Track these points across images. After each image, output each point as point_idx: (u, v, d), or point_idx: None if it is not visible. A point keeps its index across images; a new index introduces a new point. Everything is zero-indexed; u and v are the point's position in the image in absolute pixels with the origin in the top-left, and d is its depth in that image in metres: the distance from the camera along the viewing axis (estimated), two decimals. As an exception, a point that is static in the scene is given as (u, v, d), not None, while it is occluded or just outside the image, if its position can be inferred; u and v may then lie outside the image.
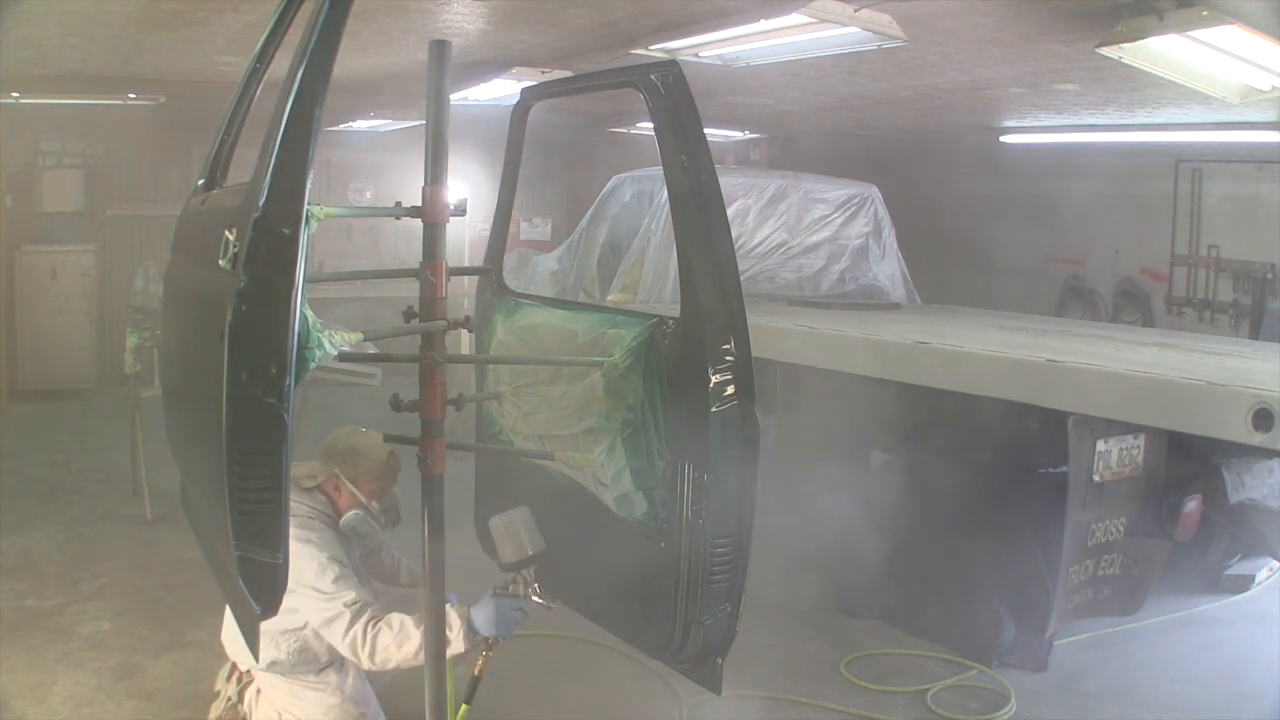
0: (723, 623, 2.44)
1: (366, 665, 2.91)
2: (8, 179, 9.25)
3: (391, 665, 2.90)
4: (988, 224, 9.65)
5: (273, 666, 3.11)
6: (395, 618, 2.88)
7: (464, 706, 2.89)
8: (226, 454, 1.75)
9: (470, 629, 2.78)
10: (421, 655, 2.59)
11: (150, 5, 4.58)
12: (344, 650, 2.92)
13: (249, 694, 3.26)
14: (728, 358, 2.33)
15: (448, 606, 2.68)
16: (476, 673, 2.84)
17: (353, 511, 3.09)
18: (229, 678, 3.34)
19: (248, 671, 3.26)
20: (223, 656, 3.42)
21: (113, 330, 8.93)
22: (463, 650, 2.79)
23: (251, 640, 2.11)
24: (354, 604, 2.89)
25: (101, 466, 7.04)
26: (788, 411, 5.65)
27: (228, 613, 3.17)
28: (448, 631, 2.68)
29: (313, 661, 3.13)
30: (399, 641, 2.84)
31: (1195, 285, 8.53)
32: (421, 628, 2.65)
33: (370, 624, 2.86)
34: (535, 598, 2.70)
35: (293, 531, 2.23)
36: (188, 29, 5.05)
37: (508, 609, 2.72)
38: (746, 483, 2.39)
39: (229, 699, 3.30)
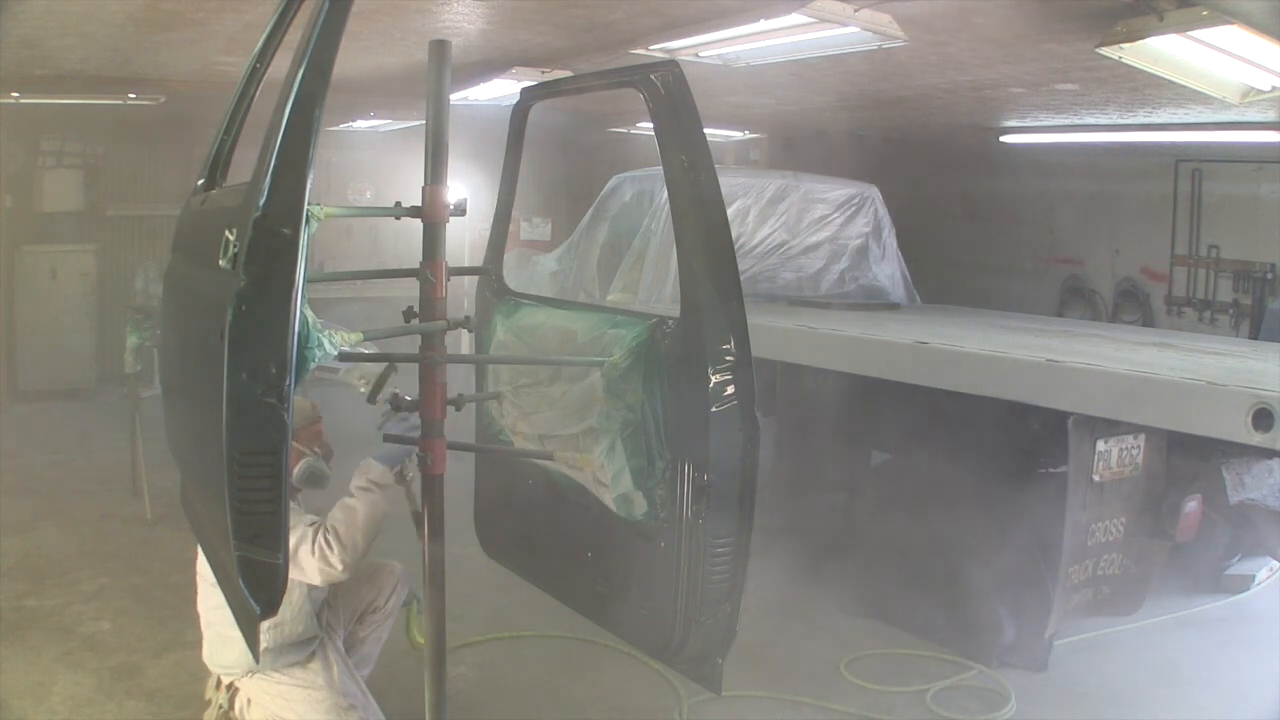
0: (723, 623, 2.45)
1: (343, 563, 2.99)
2: (8, 179, 9.24)
3: (362, 547, 3.01)
4: (988, 224, 9.64)
5: (259, 661, 3.11)
6: (331, 514, 3.03)
7: (415, 600, 3.01)
8: (226, 454, 1.75)
9: (383, 468, 2.99)
10: (375, 512, 2.96)
11: (150, 5, 4.58)
12: (315, 570, 2.98)
13: (239, 701, 3.27)
14: (728, 358, 2.33)
15: (364, 468, 3.02)
16: (418, 507, 2.88)
17: (304, 461, 3.18)
18: (218, 685, 3.35)
19: (233, 683, 3.28)
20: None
21: (113, 330, 8.90)
22: (392, 483, 3.02)
23: (252, 640, 2.11)
24: (313, 523, 3.01)
25: (101, 466, 7.03)
26: (787, 411, 5.64)
27: (207, 630, 3.22)
28: (381, 484, 2.98)
29: (294, 647, 3.14)
30: (349, 521, 2.97)
31: (1195, 285, 8.52)
32: (354, 498, 2.99)
33: (322, 530, 3.00)
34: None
35: None
36: (188, 29, 5.05)
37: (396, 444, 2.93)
38: (746, 483, 2.39)
39: (220, 706, 3.31)
